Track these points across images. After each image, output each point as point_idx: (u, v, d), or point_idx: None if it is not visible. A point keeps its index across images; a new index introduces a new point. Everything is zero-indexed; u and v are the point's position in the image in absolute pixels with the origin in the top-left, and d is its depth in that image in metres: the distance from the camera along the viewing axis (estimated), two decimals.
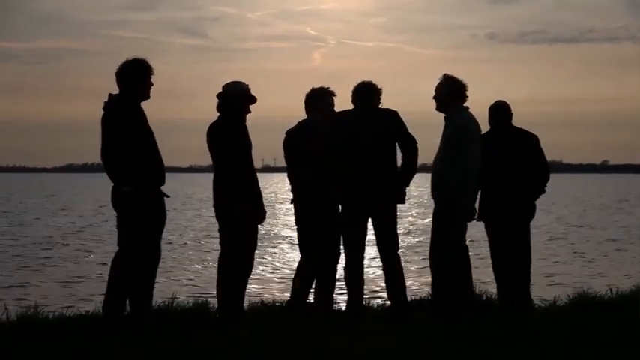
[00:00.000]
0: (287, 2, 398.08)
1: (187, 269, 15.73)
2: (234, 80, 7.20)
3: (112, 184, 6.89)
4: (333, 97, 7.56)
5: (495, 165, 7.84)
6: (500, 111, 8.06)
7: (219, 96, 7.16)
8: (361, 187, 7.46)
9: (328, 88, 7.55)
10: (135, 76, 6.82)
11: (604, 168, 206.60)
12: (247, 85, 7.20)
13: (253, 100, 7.18)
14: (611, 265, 16.68)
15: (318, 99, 7.51)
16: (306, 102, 7.57)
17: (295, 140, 7.44)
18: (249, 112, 7.21)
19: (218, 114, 7.19)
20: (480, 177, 7.61)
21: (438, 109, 7.68)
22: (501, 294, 8.08)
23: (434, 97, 7.67)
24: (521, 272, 8.00)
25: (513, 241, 7.96)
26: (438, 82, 7.66)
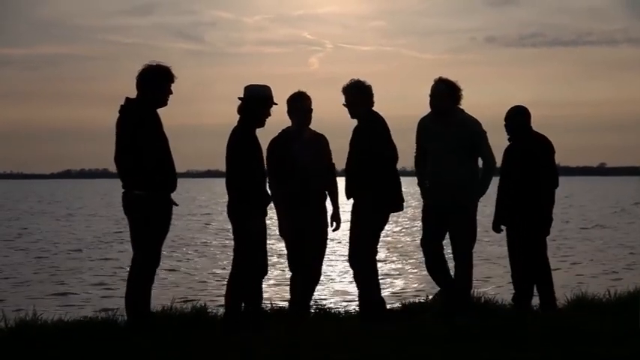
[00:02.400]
0: (283, 6, 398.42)
1: (181, 273, 15.73)
2: (257, 84, 7.19)
3: (123, 189, 6.90)
4: (308, 102, 7.52)
5: (517, 174, 7.79)
6: (518, 117, 7.92)
7: (241, 98, 7.15)
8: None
9: (303, 92, 7.55)
10: (154, 83, 6.83)
11: (601, 170, 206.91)
12: (269, 89, 7.18)
13: (272, 104, 7.18)
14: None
15: (292, 104, 7.52)
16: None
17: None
18: (269, 115, 7.20)
19: (239, 116, 7.17)
20: (504, 185, 7.79)
21: (437, 112, 7.60)
22: (519, 300, 8.02)
23: (433, 102, 7.61)
24: (545, 278, 7.97)
25: (535, 251, 7.91)
26: (433, 85, 7.61)
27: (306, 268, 7.53)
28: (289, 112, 7.56)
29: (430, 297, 8.37)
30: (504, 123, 7.97)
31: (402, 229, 27.79)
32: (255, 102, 7.08)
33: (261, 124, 7.20)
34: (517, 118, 7.91)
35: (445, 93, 7.54)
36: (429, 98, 7.64)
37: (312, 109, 7.57)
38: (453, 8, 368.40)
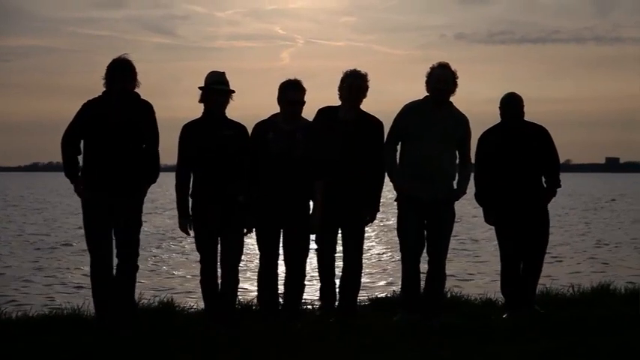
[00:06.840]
0: (256, 1, 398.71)
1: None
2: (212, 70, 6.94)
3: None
4: (297, 94, 6.95)
5: (512, 162, 7.38)
6: (514, 103, 7.51)
7: (201, 88, 6.89)
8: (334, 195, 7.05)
9: (295, 82, 6.97)
10: (127, 74, 6.69)
11: (566, 167, 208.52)
12: (222, 74, 6.89)
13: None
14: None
15: (280, 93, 7.00)
16: None
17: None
18: (222, 94, 6.85)
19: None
20: (492, 174, 7.42)
21: (440, 100, 7.15)
22: (510, 300, 7.54)
23: (441, 87, 7.12)
24: (533, 276, 7.51)
25: (531, 242, 7.47)
26: (439, 69, 7.14)
27: (288, 268, 7.07)
28: (278, 100, 7.04)
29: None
30: (503, 110, 7.52)
31: None
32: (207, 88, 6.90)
33: (220, 111, 6.91)
34: (513, 110, 7.50)
35: (452, 80, 7.17)
36: (429, 84, 7.14)
37: (303, 102, 7.01)
38: (423, 5, 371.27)
